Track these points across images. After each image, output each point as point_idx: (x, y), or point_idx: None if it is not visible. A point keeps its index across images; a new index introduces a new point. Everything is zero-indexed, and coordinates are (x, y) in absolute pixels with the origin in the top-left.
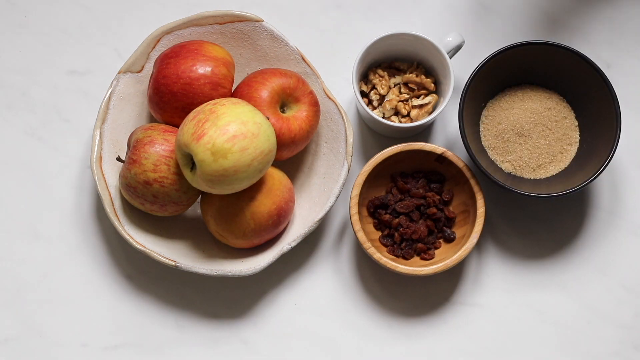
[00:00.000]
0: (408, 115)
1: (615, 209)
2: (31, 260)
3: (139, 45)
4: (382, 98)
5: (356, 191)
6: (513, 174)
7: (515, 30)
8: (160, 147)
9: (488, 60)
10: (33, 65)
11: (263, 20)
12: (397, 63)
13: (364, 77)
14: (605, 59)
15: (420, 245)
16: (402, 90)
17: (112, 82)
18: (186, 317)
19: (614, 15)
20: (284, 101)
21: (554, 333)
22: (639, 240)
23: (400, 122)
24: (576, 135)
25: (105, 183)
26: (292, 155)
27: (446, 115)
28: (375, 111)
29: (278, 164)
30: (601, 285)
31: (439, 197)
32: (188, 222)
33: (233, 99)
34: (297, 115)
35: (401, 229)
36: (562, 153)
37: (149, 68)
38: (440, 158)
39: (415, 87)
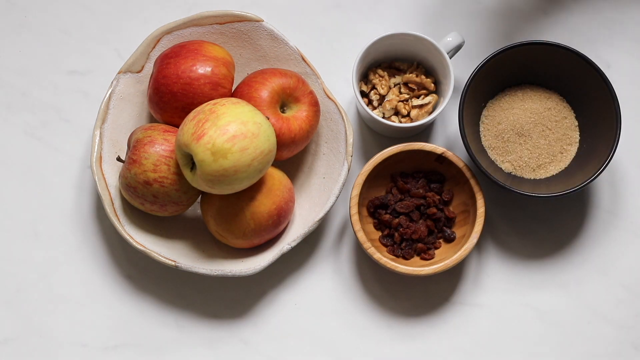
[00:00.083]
0: (408, 115)
1: (615, 209)
2: (31, 260)
3: (139, 45)
4: (382, 98)
5: (356, 191)
6: (513, 174)
7: (515, 30)
8: (160, 147)
9: (488, 60)
10: (33, 65)
11: (263, 20)
12: (397, 63)
13: (364, 77)
14: (605, 59)
15: (420, 245)
16: (402, 90)
17: (112, 82)
18: (186, 317)
19: (614, 15)
20: (284, 101)
21: (554, 333)
22: (639, 240)
23: (400, 122)
24: (576, 135)
25: (105, 183)
26: (292, 155)
27: (446, 115)
28: (375, 111)
29: (278, 164)
30: (601, 285)
31: (439, 197)
32: (188, 222)
33: (233, 99)
34: (297, 115)
35: (401, 229)
36: (562, 153)
37: (149, 68)
38: (440, 158)
39: (415, 87)
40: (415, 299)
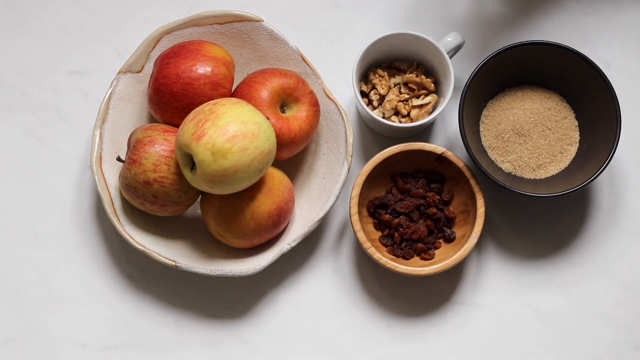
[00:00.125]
0: (408, 115)
1: (615, 209)
2: (31, 260)
3: (139, 45)
4: (382, 98)
5: (356, 191)
6: (513, 174)
7: (515, 30)
8: (160, 147)
9: (488, 60)
10: (33, 65)
11: (263, 20)
12: (397, 63)
13: (364, 77)
14: (605, 59)
15: (420, 245)
16: (402, 90)
17: (112, 82)
18: (186, 317)
19: (614, 15)
20: (284, 101)
21: (554, 333)
22: (639, 240)
23: (400, 122)
24: (576, 135)
25: (105, 183)
26: (292, 155)
27: (446, 115)
28: (375, 111)
29: (278, 164)
30: (601, 285)
31: (439, 197)
32: (188, 222)
33: (233, 99)
34: (297, 115)
35: (401, 229)
36: (562, 153)
37: (149, 68)
38: (440, 158)
39: (415, 87)
40: (415, 299)
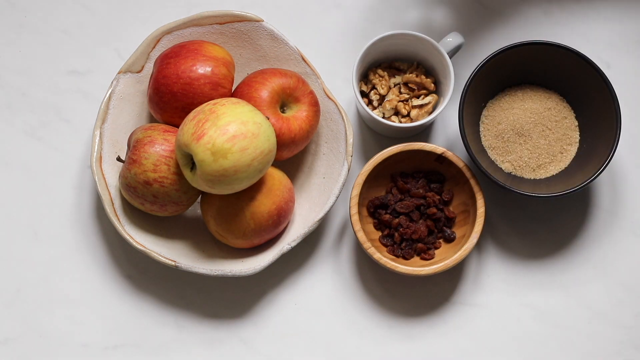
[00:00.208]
0: (408, 115)
1: (615, 209)
2: (31, 260)
3: (139, 45)
4: (382, 98)
5: (356, 191)
6: (513, 174)
7: (515, 30)
8: (160, 147)
9: (488, 60)
10: (33, 65)
11: (263, 20)
12: (397, 63)
13: (364, 77)
14: (605, 59)
15: (420, 245)
16: (402, 90)
17: (112, 82)
18: (186, 317)
19: (614, 15)
20: (284, 101)
21: (554, 333)
22: (639, 240)
23: (400, 122)
24: (576, 135)
25: (105, 183)
26: (292, 155)
27: (446, 115)
28: (375, 111)
29: (278, 164)
30: (601, 285)
31: (439, 197)
32: (188, 222)
33: (233, 99)
34: (297, 115)
35: (401, 229)
36: (562, 153)
37: (149, 68)
38: (440, 158)
39: (415, 87)
40: (415, 299)
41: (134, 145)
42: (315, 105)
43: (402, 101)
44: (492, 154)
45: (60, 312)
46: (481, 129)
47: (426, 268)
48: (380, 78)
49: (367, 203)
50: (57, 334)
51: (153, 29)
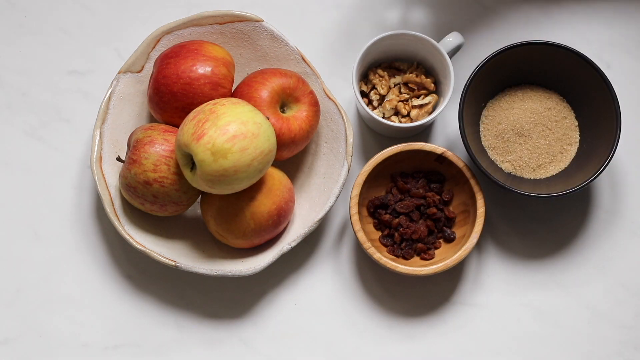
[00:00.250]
0: (408, 115)
1: (615, 209)
2: (31, 260)
3: (139, 45)
4: (382, 98)
5: (356, 191)
6: (513, 174)
7: (515, 30)
8: (160, 147)
9: (488, 60)
10: (33, 65)
11: (263, 20)
12: (397, 63)
13: (364, 77)
14: (605, 59)
15: (420, 245)
16: (402, 90)
17: (112, 82)
18: (186, 317)
19: (614, 15)
20: (284, 101)
21: (554, 333)
22: (639, 240)
23: (400, 122)
24: (576, 135)
25: (105, 183)
26: (292, 155)
27: (446, 115)
28: (375, 111)
29: (278, 164)
30: (601, 285)
31: (439, 197)
32: (188, 222)
33: (233, 99)
34: (297, 115)
35: (401, 229)
36: (562, 153)
37: (149, 68)
38: (440, 158)
39: (415, 87)
40: (415, 299)
41: (134, 145)
42: (315, 105)
43: (402, 101)
44: (492, 154)
45: (60, 312)
46: (481, 129)
47: (426, 268)
48: (380, 78)
49: (367, 203)
50: (57, 334)
51: (153, 29)
